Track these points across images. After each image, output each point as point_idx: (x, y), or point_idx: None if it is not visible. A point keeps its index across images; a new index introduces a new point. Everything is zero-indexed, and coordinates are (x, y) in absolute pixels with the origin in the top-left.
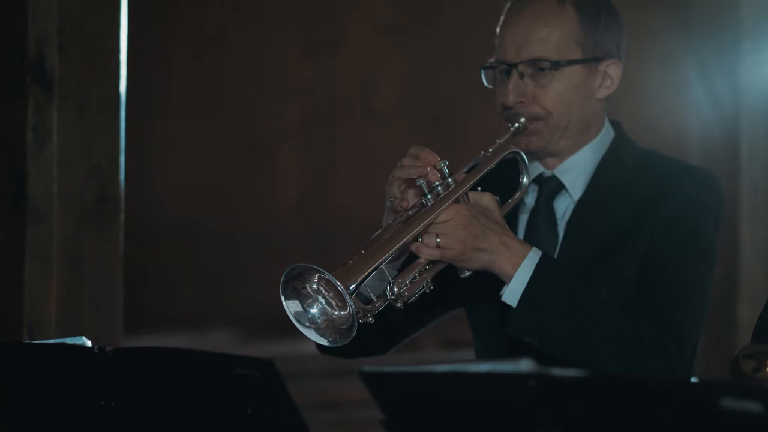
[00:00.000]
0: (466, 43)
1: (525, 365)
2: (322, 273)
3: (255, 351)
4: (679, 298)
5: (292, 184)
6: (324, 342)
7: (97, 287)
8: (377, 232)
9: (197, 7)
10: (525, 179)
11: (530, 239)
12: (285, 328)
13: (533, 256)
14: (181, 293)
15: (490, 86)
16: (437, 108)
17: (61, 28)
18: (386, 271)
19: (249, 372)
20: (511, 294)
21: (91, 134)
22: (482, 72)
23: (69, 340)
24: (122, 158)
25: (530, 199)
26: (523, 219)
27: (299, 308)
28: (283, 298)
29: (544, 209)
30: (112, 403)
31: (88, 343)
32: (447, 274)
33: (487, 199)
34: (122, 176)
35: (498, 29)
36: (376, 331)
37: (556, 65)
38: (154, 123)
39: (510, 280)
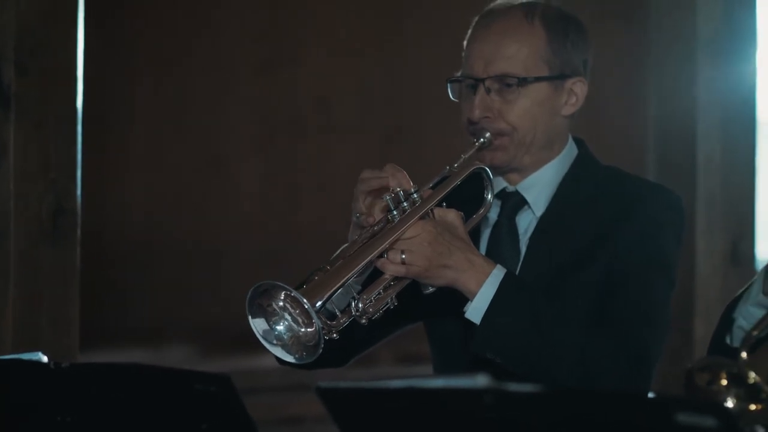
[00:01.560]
0: (425, 58)
1: (482, 380)
2: (289, 290)
3: (213, 366)
4: (641, 316)
5: (250, 199)
6: (291, 359)
7: (54, 302)
8: (343, 247)
9: (156, 23)
10: (489, 195)
11: (492, 254)
12: (243, 343)
13: (498, 273)
14: (138, 308)
15: (456, 100)
16: (396, 123)
17: (18, 44)
18: (351, 286)
19: (205, 387)
20: (475, 311)
21: (49, 149)
22: (448, 85)
23: (25, 356)
24: (79, 173)
25: (493, 214)
26: (486, 234)
27: (266, 326)
28: (249, 317)
29: (506, 224)
30: (68, 419)
31: (44, 359)
32: (409, 288)
33: (452, 216)
34: (79, 191)
35: (465, 43)
36: (336, 344)
37: (523, 82)
38: (112, 138)
39: (474, 297)
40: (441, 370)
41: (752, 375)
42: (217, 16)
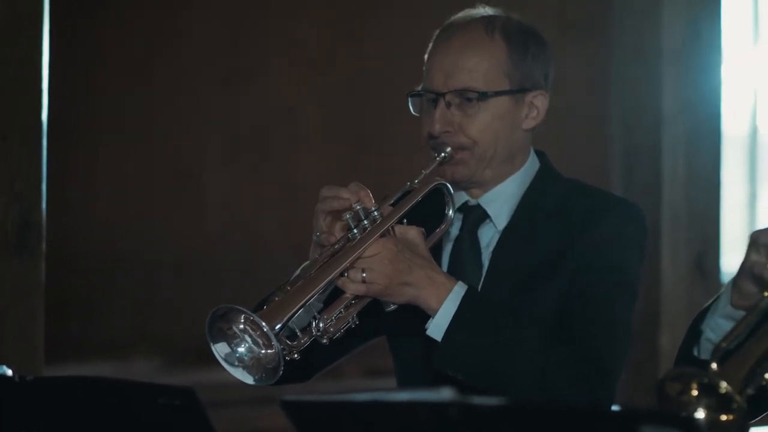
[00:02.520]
0: (389, 70)
1: (446, 394)
2: (248, 314)
3: (178, 379)
4: (603, 331)
5: (215, 213)
6: (250, 381)
7: (19, 316)
8: (304, 264)
9: (120, 37)
10: (450, 212)
11: (454, 268)
12: (208, 357)
13: (459, 290)
14: (103, 322)
15: (417, 114)
16: (361, 135)
17: None
18: (312, 305)
19: (170, 401)
20: (436, 328)
21: (13, 163)
22: (409, 99)
23: None
24: (44, 187)
25: (454, 229)
26: (448, 248)
27: (227, 349)
28: (211, 342)
29: (468, 239)
30: None
31: (9, 373)
32: (371, 305)
33: (413, 233)
34: (44, 205)
35: (426, 56)
36: (298, 361)
37: (484, 96)
38: (77, 151)
39: (435, 314)
40: (404, 386)
41: (723, 385)
42: (182, 29)
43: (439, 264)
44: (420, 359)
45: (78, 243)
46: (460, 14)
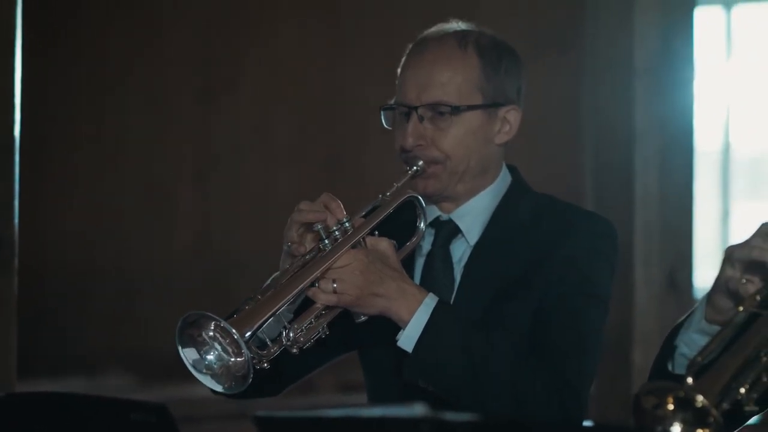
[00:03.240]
0: (364, 86)
1: (418, 409)
2: (218, 321)
3: (151, 395)
4: (573, 346)
5: (189, 227)
6: (219, 388)
7: None
8: (274, 275)
9: (94, 50)
10: (422, 224)
11: (426, 283)
12: (181, 372)
13: (429, 302)
14: (76, 338)
15: (390, 128)
16: (335, 150)
17: None
18: (282, 315)
19: (142, 417)
20: (407, 339)
21: None
22: (382, 113)
23: None
24: (17, 202)
25: (427, 243)
26: (420, 263)
27: (196, 356)
28: (179, 347)
29: (440, 253)
30: None
31: None
32: (343, 317)
33: (384, 245)
34: (17, 220)
35: (399, 70)
36: (269, 373)
37: (456, 110)
38: (50, 167)
39: (406, 326)
40: (374, 398)
41: (700, 399)
42: (156, 44)
43: (411, 278)
44: (391, 371)
45: (51, 258)
46: (434, 29)
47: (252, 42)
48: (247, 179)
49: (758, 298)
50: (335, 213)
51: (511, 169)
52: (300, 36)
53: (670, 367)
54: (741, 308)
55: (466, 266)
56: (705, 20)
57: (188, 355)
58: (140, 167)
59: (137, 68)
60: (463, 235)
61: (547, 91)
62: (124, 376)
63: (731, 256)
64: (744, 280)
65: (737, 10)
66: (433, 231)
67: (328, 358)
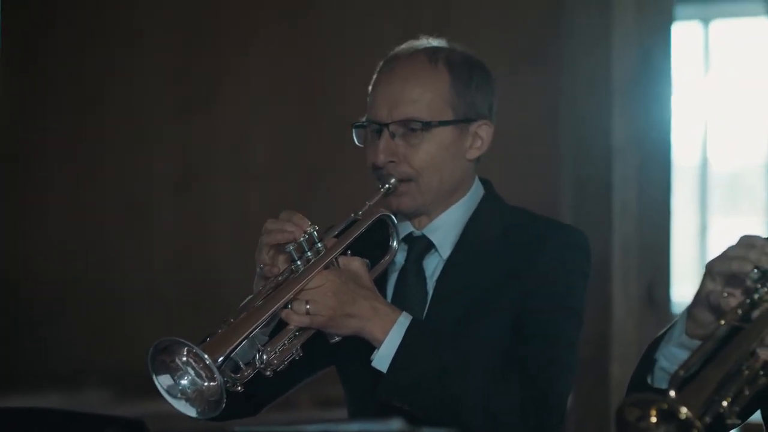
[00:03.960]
0: (341, 102)
1: (396, 425)
2: (190, 346)
3: (129, 410)
4: (548, 360)
5: (167, 243)
6: (193, 413)
7: None
8: (248, 298)
9: (73, 64)
10: (395, 243)
11: (399, 298)
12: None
13: (403, 321)
14: (54, 352)
15: (361, 145)
16: (312, 167)
17: None
18: (256, 337)
19: None
20: (382, 359)
21: None
22: (353, 130)
23: None
24: None
25: (400, 258)
26: (393, 277)
27: (170, 381)
28: (153, 374)
29: (413, 268)
30: None
31: None
32: (318, 335)
33: (356, 264)
34: None
35: (370, 87)
36: (245, 395)
37: (428, 126)
38: (28, 181)
39: (380, 346)
40: (355, 414)
41: (684, 410)
42: (133, 59)
43: (384, 293)
44: (368, 389)
45: (29, 272)
46: (404, 45)
47: (229, 57)
48: (224, 194)
49: (740, 311)
50: (300, 225)
51: (484, 183)
52: (277, 52)
53: (649, 381)
54: (722, 322)
55: (439, 280)
56: (683, 35)
57: (162, 381)
58: (118, 182)
59: (116, 82)
60: (436, 250)
61: (524, 106)
62: (101, 390)
63: (712, 269)
64: (725, 294)
65: (715, 25)
66: (406, 246)
67: (303, 377)
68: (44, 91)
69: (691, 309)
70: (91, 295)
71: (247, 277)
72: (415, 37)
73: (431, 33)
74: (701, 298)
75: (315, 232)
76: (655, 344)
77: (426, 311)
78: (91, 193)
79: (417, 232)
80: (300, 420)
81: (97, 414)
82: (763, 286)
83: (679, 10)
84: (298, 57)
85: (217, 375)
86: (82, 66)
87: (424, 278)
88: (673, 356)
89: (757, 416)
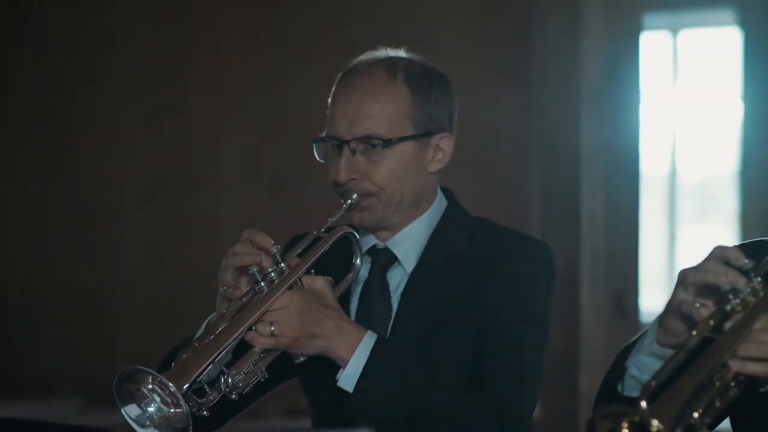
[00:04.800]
0: (310, 112)
1: None
2: (155, 375)
3: (99, 419)
4: (514, 374)
5: (137, 252)
6: None
7: None
8: (210, 316)
9: (42, 74)
10: (358, 260)
11: (363, 312)
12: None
13: (368, 340)
14: (24, 361)
15: (322, 160)
16: (281, 176)
17: None
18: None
19: None
20: (348, 379)
21: None
22: (314, 145)
23: None
24: None
25: (364, 271)
26: (357, 291)
27: (138, 411)
28: (119, 404)
29: (377, 282)
30: None
31: None
32: (282, 355)
33: (320, 284)
34: None
35: (329, 100)
36: (210, 416)
37: (388, 142)
38: None
39: (346, 365)
40: (318, 424)
41: (655, 423)
42: (103, 67)
43: (349, 307)
44: (332, 408)
45: None
46: (363, 56)
47: (197, 66)
48: (193, 203)
49: (712, 322)
50: (262, 245)
51: (447, 194)
52: (246, 61)
53: (619, 389)
54: (694, 332)
55: (403, 294)
56: (651, 45)
57: (130, 411)
58: (87, 191)
59: (85, 91)
60: (399, 263)
61: (493, 115)
62: (71, 399)
63: (684, 279)
64: (697, 304)
65: (683, 35)
66: (369, 259)
67: (269, 390)
68: (13, 101)
69: (662, 318)
70: (61, 303)
71: (214, 286)
72: (390, 47)
73: (402, 45)
74: (673, 307)
75: (277, 252)
76: (626, 352)
77: (391, 325)
78: (61, 202)
79: (381, 245)
80: (269, 429)
81: (66, 423)
82: (735, 297)
83: (648, 19)
84: (268, 67)
85: (182, 403)
86: (51, 73)
87: (389, 292)
88: (643, 364)
89: (726, 424)
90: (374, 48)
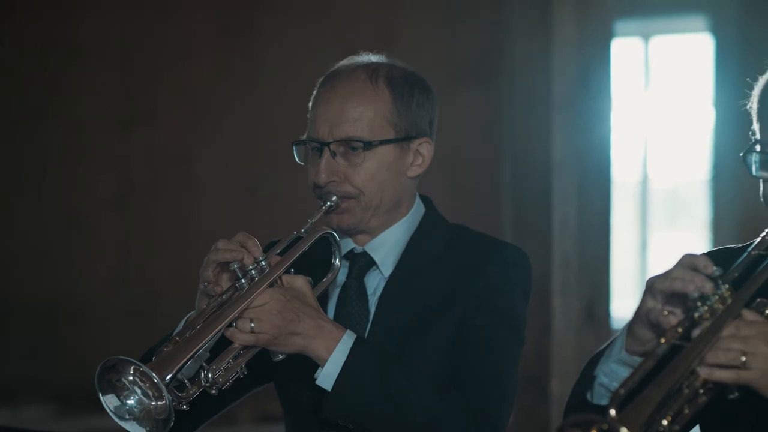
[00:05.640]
0: (281, 116)
1: None
2: (138, 365)
3: (70, 426)
4: (491, 378)
5: (110, 258)
6: None
7: None
8: (189, 314)
9: (13, 80)
10: (337, 261)
11: (341, 315)
12: (99, 403)
13: (347, 339)
14: None
15: (302, 163)
16: (254, 180)
17: None
18: (200, 354)
19: None
20: (326, 377)
21: None
22: (294, 148)
23: None
24: None
25: (341, 275)
26: (335, 295)
27: (117, 402)
28: (99, 393)
29: (355, 285)
30: None
31: None
32: (260, 352)
33: (300, 283)
34: None
35: (310, 104)
36: (185, 413)
37: (369, 145)
38: None
39: (324, 364)
40: (293, 431)
41: (624, 431)
42: (74, 73)
43: (326, 311)
44: (309, 408)
45: None
46: (344, 61)
47: (169, 72)
48: (166, 209)
49: (680, 330)
50: (252, 252)
51: (425, 200)
52: (218, 68)
53: (588, 397)
54: (663, 340)
55: (381, 298)
56: (623, 52)
57: (109, 401)
58: (60, 196)
59: (59, 97)
60: (377, 267)
61: (466, 122)
62: (43, 406)
63: (652, 287)
64: (666, 312)
65: (655, 41)
66: (347, 263)
67: (244, 394)
68: None
69: (631, 326)
70: (33, 309)
71: (188, 290)
72: (362, 51)
73: (373, 51)
74: (641, 315)
75: (261, 255)
76: (595, 360)
77: (368, 329)
78: (34, 207)
79: (358, 249)
80: None
81: (37, 430)
82: (703, 304)
83: (619, 26)
84: (239, 73)
85: (165, 394)
86: (24, 81)
87: (366, 296)
88: (612, 373)
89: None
90: (344, 54)
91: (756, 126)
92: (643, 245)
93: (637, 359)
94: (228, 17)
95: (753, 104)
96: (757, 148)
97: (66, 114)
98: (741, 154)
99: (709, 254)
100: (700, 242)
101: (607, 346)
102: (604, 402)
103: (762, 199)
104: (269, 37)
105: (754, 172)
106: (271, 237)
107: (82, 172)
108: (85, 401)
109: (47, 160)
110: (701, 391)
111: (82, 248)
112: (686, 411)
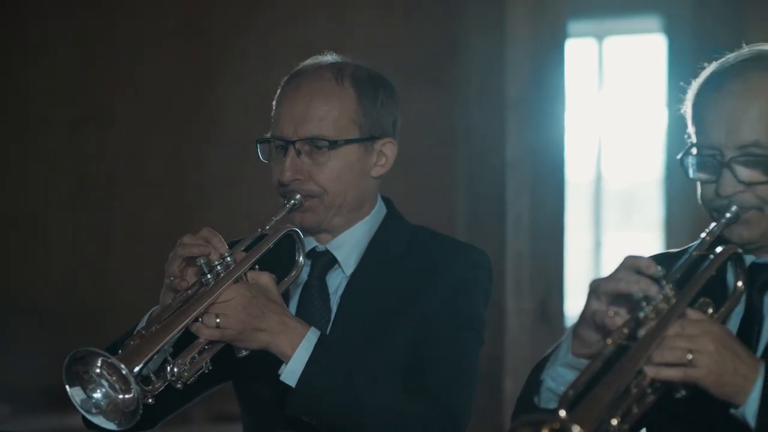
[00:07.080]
0: (236, 117)
1: None
2: (106, 356)
3: (25, 426)
4: (453, 378)
5: (63, 258)
6: (113, 427)
7: None
8: (153, 309)
9: None
10: (301, 258)
11: (303, 314)
12: (57, 403)
13: (312, 336)
14: None
15: (266, 161)
16: (208, 180)
17: None
18: (165, 349)
19: None
20: (290, 374)
21: None
22: (258, 146)
23: None
24: None
25: (303, 273)
26: (296, 293)
27: (83, 395)
28: (67, 386)
29: (316, 284)
30: None
31: None
32: (224, 350)
33: (265, 279)
34: None
35: (275, 103)
36: (147, 408)
37: (334, 144)
38: None
39: (289, 360)
40: (252, 430)
41: (576, 429)
42: (29, 73)
43: (289, 309)
44: (271, 404)
45: None
46: (309, 61)
47: (124, 73)
48: (120, 209)
49: (626, 330)
50: (217, 248)
51: (386, 201)
52: (172, 67)
53: (536, 401)
54: (609, 341)
55: (342, 297)
56: (576, 52)
57: (75, 394)
58: (12, 197)
59: (10, 98)
60: (339, 266)
61: (420, 121)
62: None
63: (597, 289)
64: (611, 313)
65: (609, 42)
66: (309, 261)
67: (203, 391)
68: None
69: (576, 328)
70: None
71: (143, 290)
72: (316, 52)
73: (326, 50)
74: (586, 317)
75: (227, 252)
76: (541, 365)
77: (330, 327)
78: None
79: (321, 247)
80: None
81: None
82: (648, 304)
83: (573, 26)
84: (194, 72)
85: (133, 385)
86: None
87: (327, 294)
88: (559, 376)
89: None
90: (298, 54)
91: (691, 129)
92: (597, 245)
93: (584, 362)
94: (183, 18)
95: (687, 108)
96: (693, 151)
97: (18, 114)
98: (678, 158)
99: (651, 257)
100: (653, 242)
101: (553, 350)
102: (551, 406)
103: (700, 201)
104: (223, 35)
105: (691, 175)
106: (226, 238)
107: (33, 172)
108: (41, 402)
109: None
110: (649, 390)
111: (34, 248)
112: (635, 410)
